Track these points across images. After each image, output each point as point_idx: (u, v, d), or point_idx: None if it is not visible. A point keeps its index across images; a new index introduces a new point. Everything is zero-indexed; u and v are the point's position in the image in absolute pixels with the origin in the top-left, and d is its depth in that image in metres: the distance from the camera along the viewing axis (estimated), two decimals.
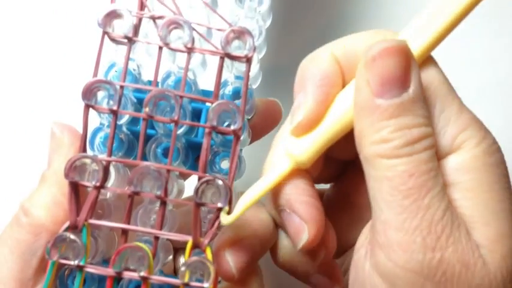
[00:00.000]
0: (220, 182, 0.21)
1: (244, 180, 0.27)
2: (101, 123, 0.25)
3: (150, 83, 0.25)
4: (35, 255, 0.22)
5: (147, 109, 0.21)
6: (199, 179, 0.21)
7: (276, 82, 0.33)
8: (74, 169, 0.21)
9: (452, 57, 0.34)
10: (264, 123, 0.27)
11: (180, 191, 0.25)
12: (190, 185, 0.26)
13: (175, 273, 0.28)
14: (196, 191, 0.21)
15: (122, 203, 0.25)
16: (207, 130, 0.22)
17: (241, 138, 0.23)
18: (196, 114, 0.26)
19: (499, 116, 0.36)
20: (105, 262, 0.25)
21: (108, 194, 0.24)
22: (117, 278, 0.21)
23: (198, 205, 0.21)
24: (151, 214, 0.24)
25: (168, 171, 0.22)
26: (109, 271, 0.21)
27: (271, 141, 0.25)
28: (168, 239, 0.24)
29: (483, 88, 0.37)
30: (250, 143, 0.27)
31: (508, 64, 0.37)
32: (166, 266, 0.26)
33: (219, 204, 0.21)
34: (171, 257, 0.26)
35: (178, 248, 0.28)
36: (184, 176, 0.27)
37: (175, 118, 0.22)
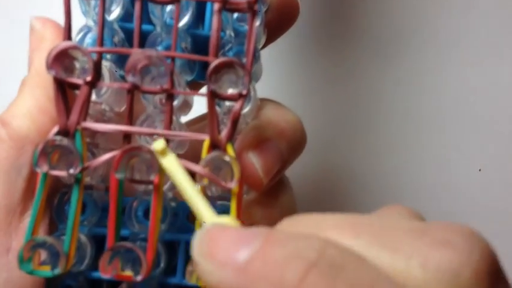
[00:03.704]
0: (237, 66, 0.17)
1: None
2: (87, 25, 0.21)
3: None
4: (21, 174, 0.18)
5: None
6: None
7: None
8: (57, 60, 0.17)
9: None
10: (279, 20, 0.23)
11: (187, 103, 0.22)
12: None
13: None
14: (210, 76, 0.17)
15: (121, 120, 0.21)
16: (217, 6, 0.18)
17: (258, 23, 0.19)
18: (200, 11, 0.22)
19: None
20: (107, 190, 0.21)
21: (104, 106, 0.21)
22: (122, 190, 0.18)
23: (213, 95, 0.17)
24: (157, 123, 0.20)
25: (173, 59, 0.18)
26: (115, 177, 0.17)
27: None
28: None
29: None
30: (266, 45, 0.23)
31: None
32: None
33: (240, 90, 0.17)
34: None
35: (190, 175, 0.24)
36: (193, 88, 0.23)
37: None
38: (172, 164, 0.16)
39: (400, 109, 0.35)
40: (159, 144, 0.16)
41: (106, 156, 0.17)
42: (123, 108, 0.21)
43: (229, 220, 0.15)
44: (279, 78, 0.33)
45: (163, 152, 0.17)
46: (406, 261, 0.12)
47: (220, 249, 0.13)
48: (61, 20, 0.20)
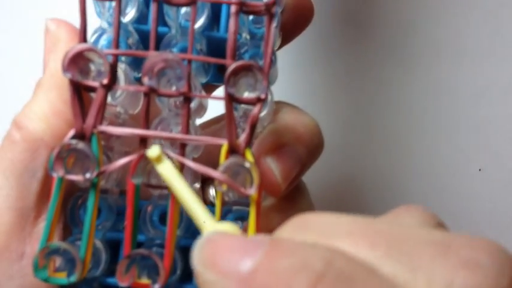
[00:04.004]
0: (255, 69, 0.17)
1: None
2: (101, 27, 0.20)
3: None
4: (35, 177, 0.18)
5: None
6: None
7: None
8: (73, 62, 0.17)
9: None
10: (294, 21, 0.23)
11: (202, 106, 0.21)
12: None
13: None
14: (227, 79, 0.17)
15: (135, 123, 0.21)
16: (234, 8, 0.18)
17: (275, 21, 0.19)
18: (215, 13, 0.21)
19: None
20: (122, 194, 0.21)
21: (119, 109, 0.20)
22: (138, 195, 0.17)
23: (231, 99, 0.17)
24: (172, 126, 0.20)
25: (189, 61, 0.18)
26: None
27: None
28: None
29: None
30: (280, 47, 0.23)
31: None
32: None
33: (258, 94, 0.17)
34: (198, 185, 0.22)
35: (205, 179, 0.24)
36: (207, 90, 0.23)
37: None
38: (168, 171, 0.16)
39: (401, 110, 0.35)
40: (153, 151, 0.16)
41: (123, 160, 0.17)
42: (137, 111, 0.21)
43: (230, 227, 0.14)
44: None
45: (158, 159, 0.16)
46: (427, 282, 0.11)
47: (222, 259, 0.12)
48: (71, 22, 0.20)
